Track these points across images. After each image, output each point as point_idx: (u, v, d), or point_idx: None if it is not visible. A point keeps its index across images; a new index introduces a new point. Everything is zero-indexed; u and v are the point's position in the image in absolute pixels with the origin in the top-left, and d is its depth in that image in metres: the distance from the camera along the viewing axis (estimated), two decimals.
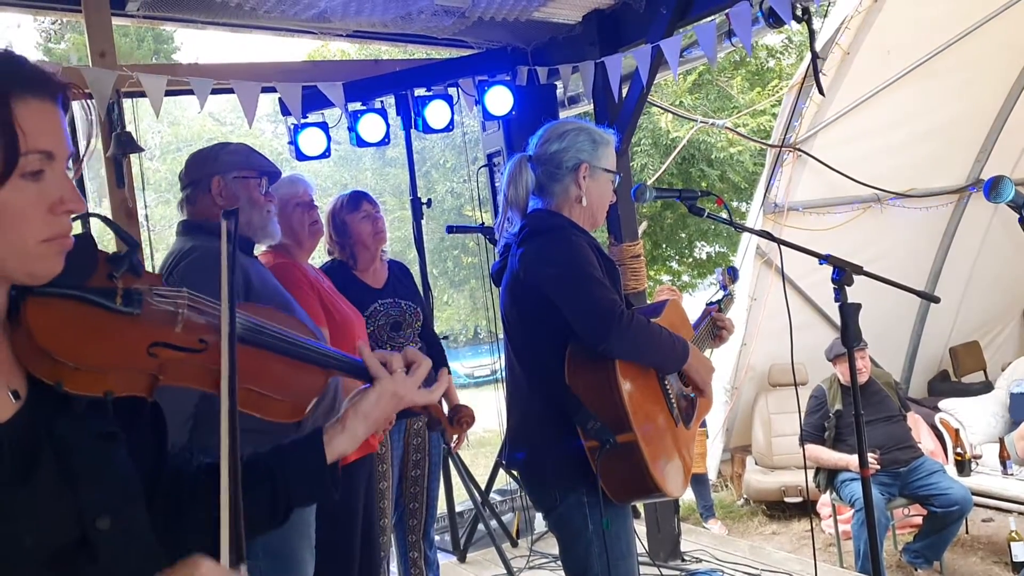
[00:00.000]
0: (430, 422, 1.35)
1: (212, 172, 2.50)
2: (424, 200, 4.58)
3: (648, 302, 4.69)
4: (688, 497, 6.53)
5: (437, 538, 4.26)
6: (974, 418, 6.38)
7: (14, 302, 1.00)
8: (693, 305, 7.35)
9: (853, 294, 2.50)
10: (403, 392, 1.24)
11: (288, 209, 3.06)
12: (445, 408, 1.39)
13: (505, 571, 4.22)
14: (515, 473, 2.60)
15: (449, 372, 3.95)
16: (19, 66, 0.95)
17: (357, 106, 4.44)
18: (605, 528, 2.23)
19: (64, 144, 0.97)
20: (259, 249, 3.05)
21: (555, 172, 2.39)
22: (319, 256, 3.74)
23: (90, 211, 1.14)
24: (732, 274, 3.00)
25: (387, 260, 3.69)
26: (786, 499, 6.36)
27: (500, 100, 4.54)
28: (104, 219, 1.17)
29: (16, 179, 0.92)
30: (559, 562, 2.45)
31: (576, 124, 2.45)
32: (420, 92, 4.54)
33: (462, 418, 1.42)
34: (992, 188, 2.06)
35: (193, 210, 2.54)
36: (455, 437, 3.91)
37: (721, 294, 2.93)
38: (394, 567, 3.87)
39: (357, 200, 3.56)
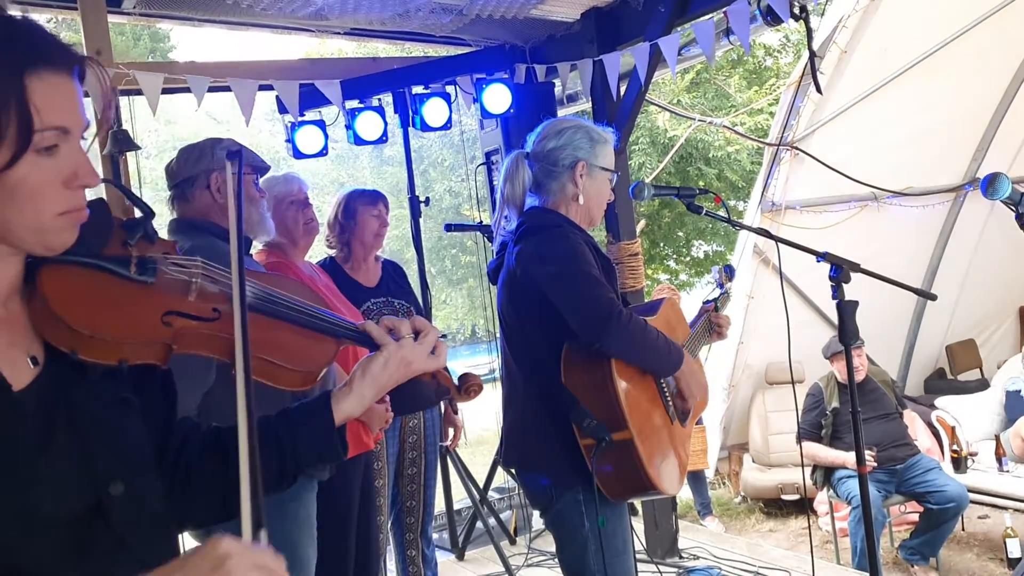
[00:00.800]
0: (438, 390, 1.34)
1: (209, 168, 2.45)
2: (422, 199, 4.58)
3: (646, 301, 4.70)
4: (686, 494, 6.54)
5: (435, 536, 4.26)
6: (970, 416, 6.40)
7: (29, 269, 1.00)
8: (691, 304, 7.36)
9: (849, 292, 2.50)
10: (411, 357, 1.24)
11: (282, 208, 3.07)
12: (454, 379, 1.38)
13: (503, 569, 4.23)
14: (512, 471, 2.61)
15: (448, 372, 3.96)
16: (36, 37, 0.94)
17: (354, 104, 4.44)
18: (601, 526, 2.23)
19: (80, 118, 0.97)
20: (255, 247, 3.05)
21: (552, 170, 2.39)
22: (318, 253, 3.75)
23: (103, 178, 1.13)
24: (729, 272, 3.01)
25: (381, 260, 3.70)
26: (783, 496, 6.37)
27: (498, 98, 4.54)
28: (119, 186, 1.18)
29: (31, 155, 0.92)
30: (557, 560, 2.46)
31: (575, 122, 2.45)
32: (418, 90, 4.54)
33: (470, 386, 1.39)
34: (989, 185, 2.06)
35: (187, 207, 2.48)
36: (451, 434, 3.93)
37: (718, 292, 2.94)
38: (392, 565, 3.87)
39: (376, 198, 3.61)
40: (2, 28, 0.93)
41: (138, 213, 1.16)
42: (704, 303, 2.89)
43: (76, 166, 0.96)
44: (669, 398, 2.39)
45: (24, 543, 0.91)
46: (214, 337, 1.10)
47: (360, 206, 3.55)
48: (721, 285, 2.96)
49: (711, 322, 2.77)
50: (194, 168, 2.47)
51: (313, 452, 1.21)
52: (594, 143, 2.40)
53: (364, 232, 3.55)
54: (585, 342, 2.19)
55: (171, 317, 1.06)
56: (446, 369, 1.32)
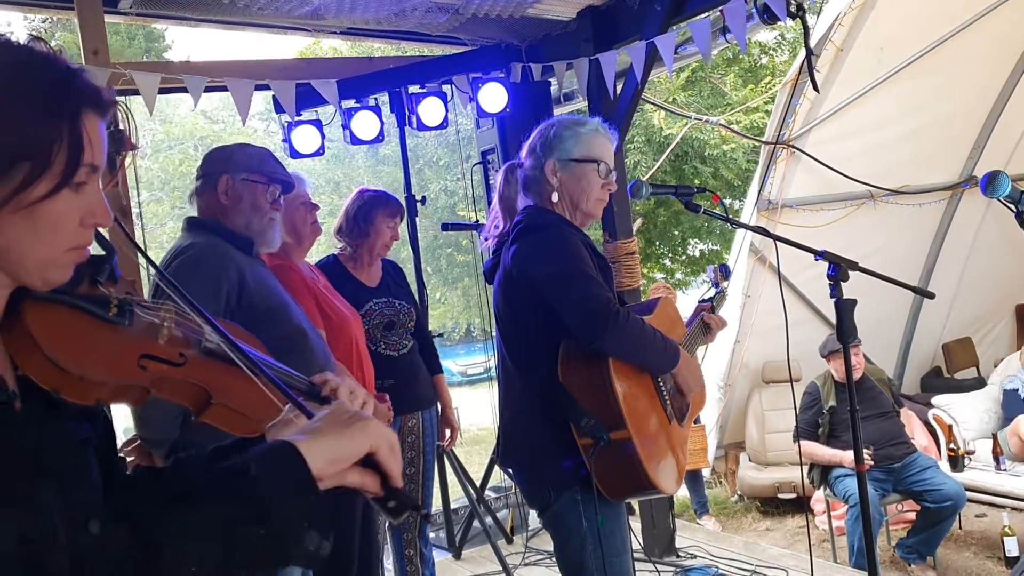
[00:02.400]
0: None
1: (223, 170, 2.50)
2: (418, 198, 4.57)
3: (642, 300, 4.70)
4: (683, 493, 6.54)
5: (432, 535, 4.25)
6: (967, 414, 6.40)
7: (9, 303, 1.00)
8: (687, 303, 7.36)
9: (846, 291, 2.50)
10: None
11: (292, 207, 3.06)
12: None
13: (501, 568, 4.22)
14: (509, 471, 2.60)
15: (442, 372, 3.95)
16: (86, 83, 0.98)
17: (351, 103, 4.43)
18: (600, 526, 2.23)
19: (104, 159, 1.01)
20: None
21: (531, 172, 2.41)
22: (317, 253, 3.75)
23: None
24: (724, 271, 3.00)
25: (381, 259, 3.71)
26: (780, 495, 6.37)
27: (494, 97, 4.53)
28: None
29: (66, 190, 0.95)
30: (554, 559, 2.45)
31: (551, 120, 2.44)
32: (414, 89, 4.53)
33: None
34: (989, 183, 2.06)
35: (200, 202, 2.54)
36: (447, 435, 3.93)
37: (713, 291, 2.93)
38: (389, 565, 3.86)
39: (397, 210, 3.63)
40: (60, 68, 0.97)
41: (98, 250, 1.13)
42: (700, 302, 2.89)
43: (95, 205, 0.99)
44: (667, 397, 2.39)
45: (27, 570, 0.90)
46: (181, 383, 1.11)
47: (379, 215, 3.57)
48: (716, 284, 2.96)
49: (705, 323, 2.76)
50: (212, 167, 2.53)
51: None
52: (562, 139, 2.37)
53: (376, 241, 3.57)
54: (582, 342, 2.18)
55: (146, 360, 1.07)
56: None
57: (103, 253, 1.07)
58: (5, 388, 0.95)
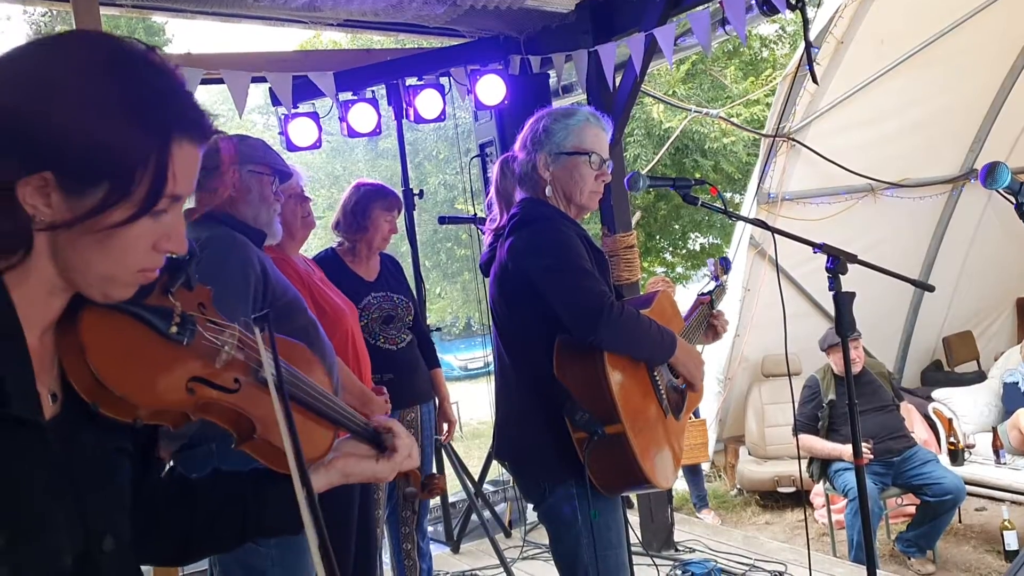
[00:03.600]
0: (407, 488, 1.39)
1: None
2: (416, 191, 4.55)
3: (641, 293, 4.68)
4: (682, 487, 6.53)
5: (431, 529, 4.25)
6: (967, 408, 6.40)
7: (71, 303, 0.96)
8: (687, 297, 7.34)
9: (846, 284, 2.48)
10: (391, 470, 1.25)
11: (283, 200, 3.04)
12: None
13: (499, 562, 4.22)
14: (506, 463, 2.60)
15: (440, 367, 3.93)
16: (188, 104, 0.93)
17: (348, 96, 4.41)
18: (594, 519, 2.22)
19: (192, 188, 0.97)
20: None
21: (524, 167, 2.39)
22: (313, 248, 3.73)
23: None
24: (724, 264, 2.99)
25: (380, 253, 3.69)
26: (779, 489, 6.37)
27: (492, 89, 4.50)
28: None
29: (144, 218, 0.91)
30: (551, 553, 2.44)
31: (541, 113, 2.42)
32: (411, 81, 4.51)
33: (433, 487, 1.46)
34: (988, 174, 2.05)
35: (201, 194, 2.49)
36: (445, 429, 3.92)
37: (713, 285, 2.92)
38: (387, 558, 3.85)
39: (394, 204, 3.61)
40: (161, 89, 0.91)
41: None
42: (699, 295, 2.87)
43: (171, 231, 0.95)
44: (663, 391, 2.37)
45: None
46: (230, 410, 1.06)
47: (376, 209, 3.55)
48: (716, 278, 2.94)
49: (706, 317, 2.75)
50: (214, 160, 2.48)
51: (276, 523, 1.18)
52: (551, 133, 2.35)
53: (374, 235, 3.56)
54: (577, 336, 2.17)
55: (195, 384, 1.01)
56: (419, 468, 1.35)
57: (183, 257, 1.02)
58: (37, 405, 0.90)
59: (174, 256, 1.00)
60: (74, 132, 0.85)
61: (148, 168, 0.89)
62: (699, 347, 2.62)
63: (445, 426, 3.92)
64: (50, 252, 0.90)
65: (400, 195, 3.74)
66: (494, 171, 2.51)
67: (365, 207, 3.56)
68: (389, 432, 1.25)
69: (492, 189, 2.49)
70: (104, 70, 0.88)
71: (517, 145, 2.44)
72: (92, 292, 0.94)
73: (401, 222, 4.41)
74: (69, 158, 0.86)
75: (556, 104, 5.10)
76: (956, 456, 5.89)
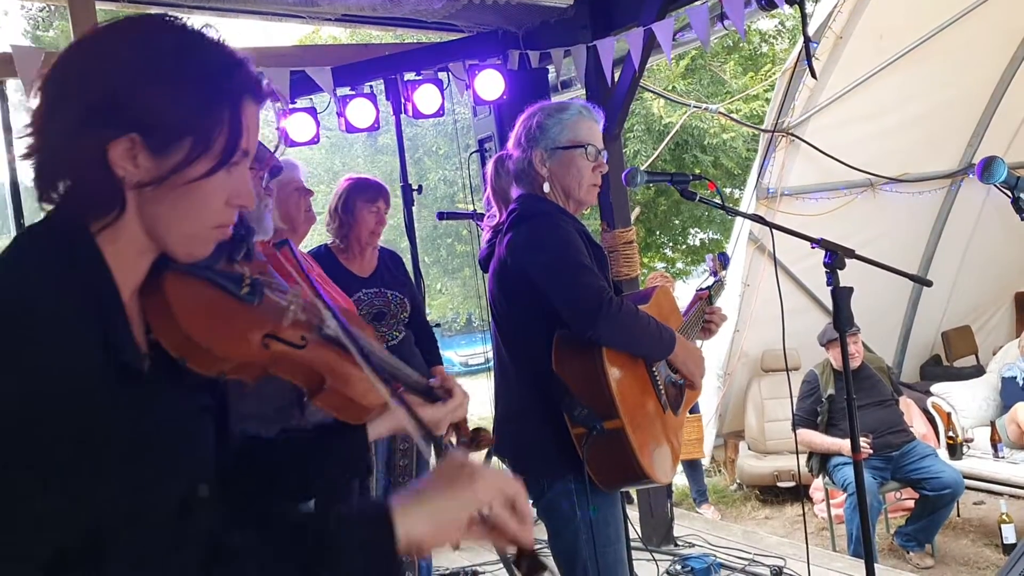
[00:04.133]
0: (459, 437, 1.48)
1: None
2: (415, 187, 4.54)
3: (640, 289, 4.68)
4: (681, 482, 6.54)
5: None
6: (966, 402, 6.40)
7: (151, 270, 1.05)
8: (687, 292, 7.34)
9: (845, 279, 2.48)
10: (442, 420, 1.37)
11: (286, 193, 3.02)
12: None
13: (498, 558, 4.22)
14: (505, 459, 2.60)
15: (442, 363, 3.93)
16: (249, 72, 1.03)
17: (346, 91, 4.40)
18: (593, 515, 2.22)
19: (255, 145, 1.07)
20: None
21: (519, 165, 2.38)
22: (311, 242, 3.72)
23: None
24: (723, 260, 2.98)
25: (378, 249, 3.67)
26: (779, 484, 6.37)
27: (491, 84, 4.50)
28: None
29: (220, 171, 1.00)
30: (549, 548, 2.44)
31: (532, 109, 2.41)
32: (410, 76, 4.49)
33: (481, 440, 1.54)
34: (985, 168, 2.04)
35: None
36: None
37: (712, 280, 2.91)
38: None
39: (376, 194, 3.57)
40: (227, 57, 1.01)
41: None
42: (698, 291, 2.87)
43: (242, 187, 1.04)
44: (661, 387, 2.37)
45: (137, 521, 0.94)
46: (299, 365, 1.14)
47: (359, 202, 3.52)
48: (715, 273, 2.94)
49: (703, 313, 2.74)
50: None
51: (340, 472, 1.32)
52: (544, 129, 2.34)
53: (361, 229, 3.53)
54: (576, 331, 2.17)
55: (269, 340, 1.09)
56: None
57: (242, 231, 1.12)
58: (137, 351, 0.99)
59: (235, 229, 1.10)
60: (156, 97, 0.95)
61: (224, 123, 0.99)
62: (697, 343, 2.62)
63: None
64: (139, 212, 0.99)
65: (384, 185, 3.69)
66: (488, 170, 2.50)
67: (347, 201, 3.54)
68: (440, 387, 1.38)
69: (487, 188, 2.49)
70: (178, 43, 0.99)
71: (511, 143, 2.43)
72: (177, 250, 1.03)
73: (400, 218, 4.39)
74: (153, 120, 0.96)
75: (555, 99, 5.10)
76: (955, 450, 5.90)
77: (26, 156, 1.00)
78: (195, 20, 1.05)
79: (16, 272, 0.94)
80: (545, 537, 2.39)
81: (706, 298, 2.79)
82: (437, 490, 1.04)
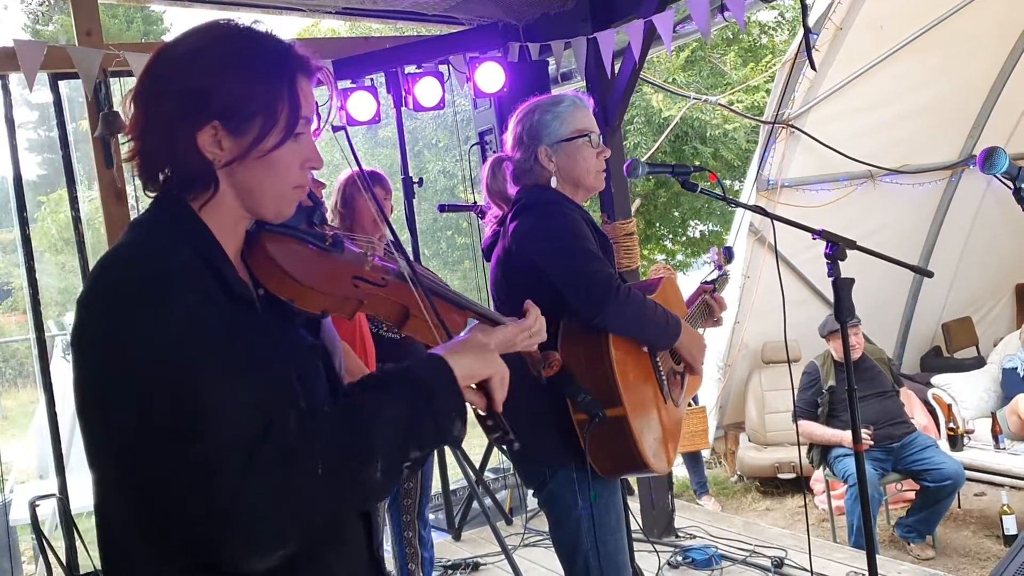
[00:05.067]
0: (533, 363, 1.72)
1: None
2: (416, 179, 4.54)
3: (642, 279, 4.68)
4: (682, 474, 6.56)
5: (432, 517, 4.26)
6: (966, 393, 6.41)
7: (247, 235, 1.25)
8: (687, 284, 7.34)
9: (845, 270, 2.49)
10: (520, 339, 1.54)
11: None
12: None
13: (500, 549, 4.23)
14: (505, 448, 2.61)
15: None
16: (298, 52, 1.22)
17: (347, 84, 4.40)
18: (594, 501, 2.23)
19: (313, 111, 1.25)
20: None
21: (523, 164, 2.39)
22: None
23: None
24: (727, 254, 2.99)
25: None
26: (779, 475, 6.39)
27: (491, 77, 4.49)
28: None
29: (289, 140, 1.19)
30: (551, 538, 2.45)
31: (527, 107, 2.42)
32: (410, 69, 4.49)
33: (552, 361, 1.76)
34: (986, 159, 2.04)
35: None
36: None
37: (716, 274, 2.92)
38: (388, 547, 3.87)
39: (372, 181, 3.55)
40: (279, 44, 1.21)
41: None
42: (702, 283, 2.87)
43: (310, 151, 1.23)
44: (664, 377, 2.38)
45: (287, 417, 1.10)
46: (385, 300, 1.37)
47: (356, 192, 3.52)
48: (720, 267, 2.94)
49: (708, 303, 2.75)
50: None
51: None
52: (545, 123, 2.35)
53: (363, 219, 3.53)
54: (584, 316, 2.18)
55: (357, 281, 1.33)
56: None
57: (312, 204, 1.33)
58: (248, 289, 1.19)
59: (307, 206, 1.31)
60: (230, 88, 1.14)
61: (284, 100, 1.17)
62: (701, 331, 2.63)
63: None
64: (231, 186, 1.19)
65: (380, 173, 3.68)
66: (485, 172, 2.51)
67: (345, 196, 3.53)
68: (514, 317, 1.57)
69: (484, 190, 2.50)
70: (241, 42, 1.19)
71: (509, 145, 2.43)
72: (268, 212, 1.22)
73: (401, 211, 4.38)
74: (230, 108, 1.14)
75: (556, 91, 5.10)
76: (955, 442, 5.91)
77: (130, 158, 1.20)
78: (242, 16, 1.25)
79: (141, 246, 1.13)
80: (547, 529, 2.40)
81: (710, 291, 2.80)
82: (469, 353, 1.30)
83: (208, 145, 1.15)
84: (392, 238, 1.42)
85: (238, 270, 1.20)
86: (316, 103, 1.27)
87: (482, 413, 1.36)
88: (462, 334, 1.41)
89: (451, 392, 1.23)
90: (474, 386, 1.32)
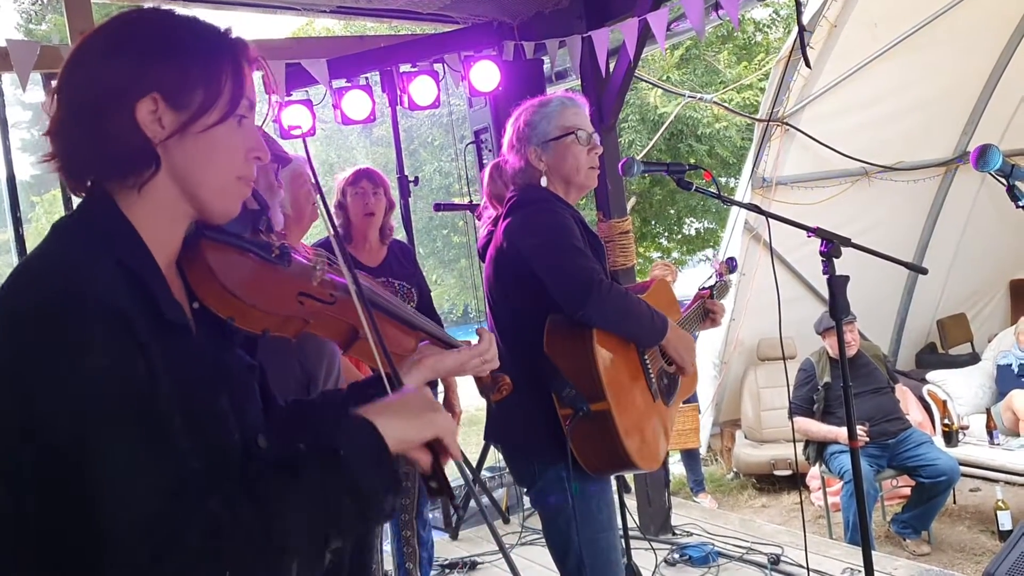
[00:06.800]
0: (483, 388, 1.67)
1: None
2: (411, 178, 4.54)
3: (640, 279, 4.69)
4: (679, 472, 6.56)
5: (429, 516, 4.25)
6: (961, 389, 6.43)
7: (184, 244, 1.15)
8: (682, 282, 7.34)
9: (840, 267, 2.49)
10: (471, 363, 1.50)
11: (298, 183, 3.03)
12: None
13: (497, 548, 4.23)
14: (499, 445, 2.63)
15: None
16: (235, 37, 1.15)
17: (342, 83, 4.39)
18: (574, 494, 2.24)
19: (255, 100, 1.17)
20: None
21: (516, 166, 2.42)
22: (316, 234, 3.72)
23: None
24: (730, 264, 3.01)
25: (389, 241, 3.68)
26: (776, 472, 6.39)
27: (486, 76, 4.50)
28: None
29: (231, 120, 1.10)
30: (543, 536, 2.46)
31: (518, 111, 2.45)
32: (405, 68, 4.49)
33: (501, 386, 1.68)
34: (979, 156, 2.04)
35: None
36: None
37: (715, 280, 2.93)
38: (387, 546, 3.87)
39: (358, 176, 3.58)
40: (214, 25, 1.14)
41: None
42: (700, 288, 2.88)
43: (255, 141, 1.15)
44: (653, 375, 2.39)
45: (220, 471, 1.03)
46: (332, 319, 1.29)
47: (346, 187, 3.56)
48: (720, 275, 2.96)
49: (706, 308, 2.76)
50: None
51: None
52: (533, 125, 2.38)
53: (353, 212, 3.54)
54: (567, 311, 2.20)
55: (303, 297, 1.24)
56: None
57: (258, 207, 1.24)
58: (180, 309, 1.08)
59: (252, 209, 1.22)
60: (169, 59, 1.07)
61: (227, 74, 1.10)
62: (696, 334, 2.64)
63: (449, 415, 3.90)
64: (170, 171, 1.08)
65: (370, 168, 3.69)
66: (485, 176, 2.54)
67: (340, 191, 3.58)
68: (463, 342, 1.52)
69: (484, 194, 2.53)
70: (177, 20, 1.12)
71: (504, 148, 2.47)
72: (210, 203, 1.11)
73: (397, 209, 4.38)
74: (170, 78, 1.06)
75: (551, 90, 5.10)
76: (950, 438, 5.93)
77: (49, 159, 1.10)
78: (237, 16, 1.19)
79: (57, 258, 1.02)
80: (540, 527, 2.41)
81: (707, 296, 2.82)
82: (407, 415, 1.14)
83: (147, 121, 1.05)
84: (340, 249, 1.27)
85: (171, 284, 1.09)
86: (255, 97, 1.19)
87: (425, 472, 1.16)
88: (403, 388, 1.23)
89: (378, 466, 1.07)
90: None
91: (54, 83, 1.16)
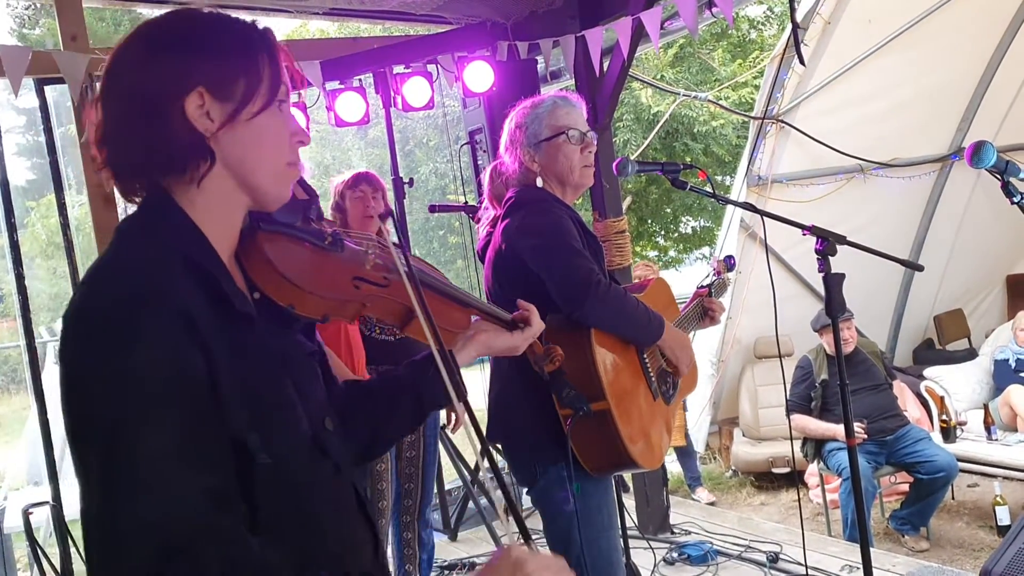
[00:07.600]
0: (535, 359, 1.72)
1: None
2: (406, 180, 4.53)
3: (633, 279, 4.69)
4: (676, 470, 6.56)
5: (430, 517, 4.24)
6: (959, 385, 6.43)
7: (241, 236, 1.19)
8: (679, 280, 7.34)
9: (837, 264, 2.49)
10: (521, 345, 1.58)
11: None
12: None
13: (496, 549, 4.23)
14: (499, 445, 2.63)
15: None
16: (265, 28, 1.20)
17: (335, 85, 4.38)
18: (576, 493, 2.24)
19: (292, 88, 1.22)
20: None
21: (511, 169, 2.44)
22: None
23: None
24: (728, 263, 3.01)
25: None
26: (774, 470, 6.39)
27: (480, 76, 4.49)
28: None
29: (272, 106, 1.15)
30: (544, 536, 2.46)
31: (513, 113, 2.45)
32: (399, 69, 4.49)
33: (554, 356, 1.74)
34: (974, 153, 2.05)
35: None
36: (452, 419, 3.87)
37: (713, 278, 2.92)
38: (388, 548, 3.86)
39: (357, 179, 3.58)
40: (244, 20, 1.19)
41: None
42: (698, 287, 2.88)
43: (295, 124, 1.20)
44: (652, 375, 2.39)
45: (290, 456, 1.09)
46: (387, 301, 1.32)
47: (344, 190, 3.55)
48: (718, 274, 2.95)
49: (704, 307, 2.76)
50: None
51: (437, 396, 1.43)
52: (525, 127, 2.39)
53: (352, 216, 3.54)
54: (564, 310, 2.21)
55: (358, 281, 1.27)
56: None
57: (308, 197, 1.27)
58: (246, 299, 1.13)
59: (302, 199, 1.25)
60: (209, 54, 1.12)
61: (265, 63, 1.15)
62: (693, 333, 2.63)
63: (453, 416, 3.87)
64: (225, 163, 1.13)
65: (368, 172, 3.69)
66: (484, 179, 2.55)
67: (338, 195, 3.57)
68: (518, 316, 1.58)
69: (485, 196, 2.54)
70: (209, 16, 1.16)
71: (501, 149, 2.48)
72: (267, 192, 1.16)
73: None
74: (213, 72, 1.11)
75: (545, 90, 5.10)
76: (948, 434, 5.93)
77: (101, 168, 1.14)
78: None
79: (123, 262, 1.06)
80: (542, 527, 2.40)
81: (705, 294, 2.82)
82: None
83: (197, 115, 1.10)
84: (397, 234, 1.40)
85: (234, 276, 1.14)
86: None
87: None
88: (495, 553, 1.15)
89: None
90: None
91: (92, 94, 1.17)
